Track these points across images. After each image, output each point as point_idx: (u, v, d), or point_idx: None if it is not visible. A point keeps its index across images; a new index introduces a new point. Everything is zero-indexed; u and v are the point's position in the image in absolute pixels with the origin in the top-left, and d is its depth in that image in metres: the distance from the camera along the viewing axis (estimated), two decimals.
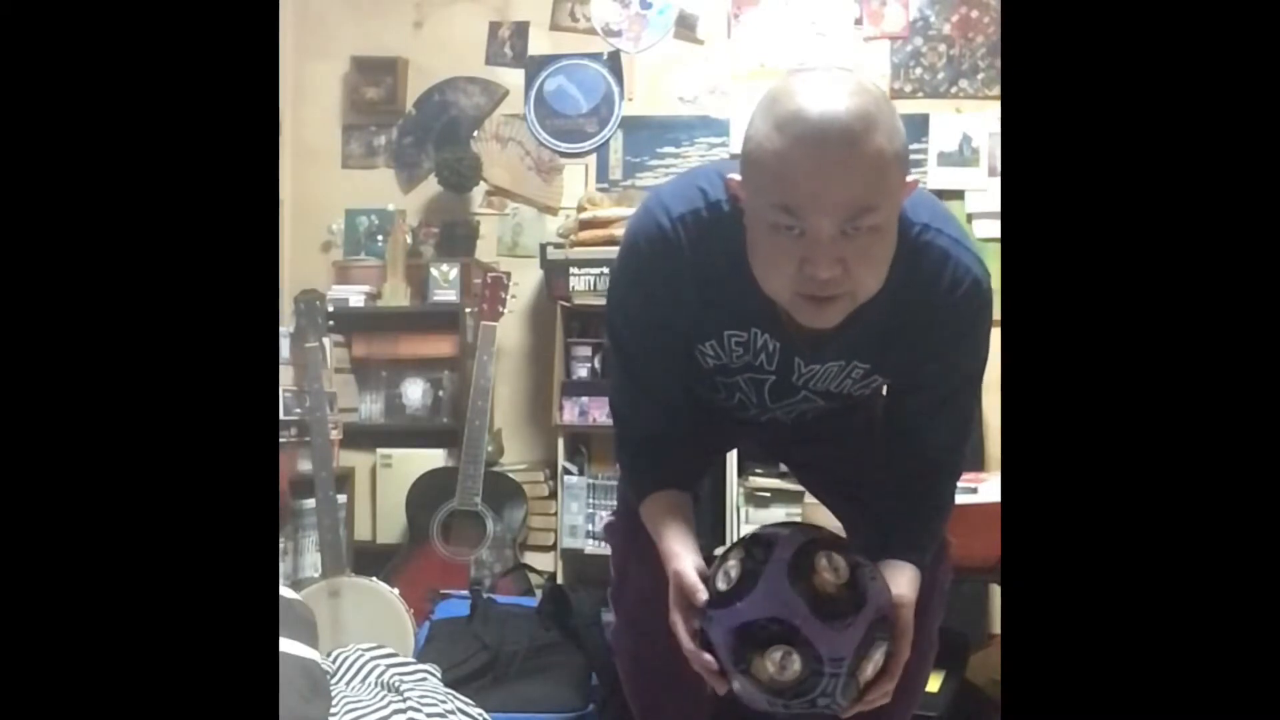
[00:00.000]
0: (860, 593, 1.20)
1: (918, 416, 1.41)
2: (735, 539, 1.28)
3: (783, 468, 2.89)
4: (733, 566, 1.23)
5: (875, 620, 1.21)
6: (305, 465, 2.89)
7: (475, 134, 3.47)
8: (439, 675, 2.27)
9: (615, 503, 3.08)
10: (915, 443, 1.41)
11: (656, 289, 1.32)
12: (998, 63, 3.22)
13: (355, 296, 3.26)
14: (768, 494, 2.95)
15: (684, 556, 1.30)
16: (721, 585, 1.23)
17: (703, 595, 1.24)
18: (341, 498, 3.04)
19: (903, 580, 1.30)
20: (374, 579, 2.77)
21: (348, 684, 2.15)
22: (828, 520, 2.05)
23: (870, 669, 1.21)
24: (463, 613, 2.56)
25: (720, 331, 1.34)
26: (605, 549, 3.08)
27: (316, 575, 2.86)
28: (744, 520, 2.94)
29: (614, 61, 3.42)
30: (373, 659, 2.23)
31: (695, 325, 1.35)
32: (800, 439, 1.58)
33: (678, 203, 1.29)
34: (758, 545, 1.24)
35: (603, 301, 3.08)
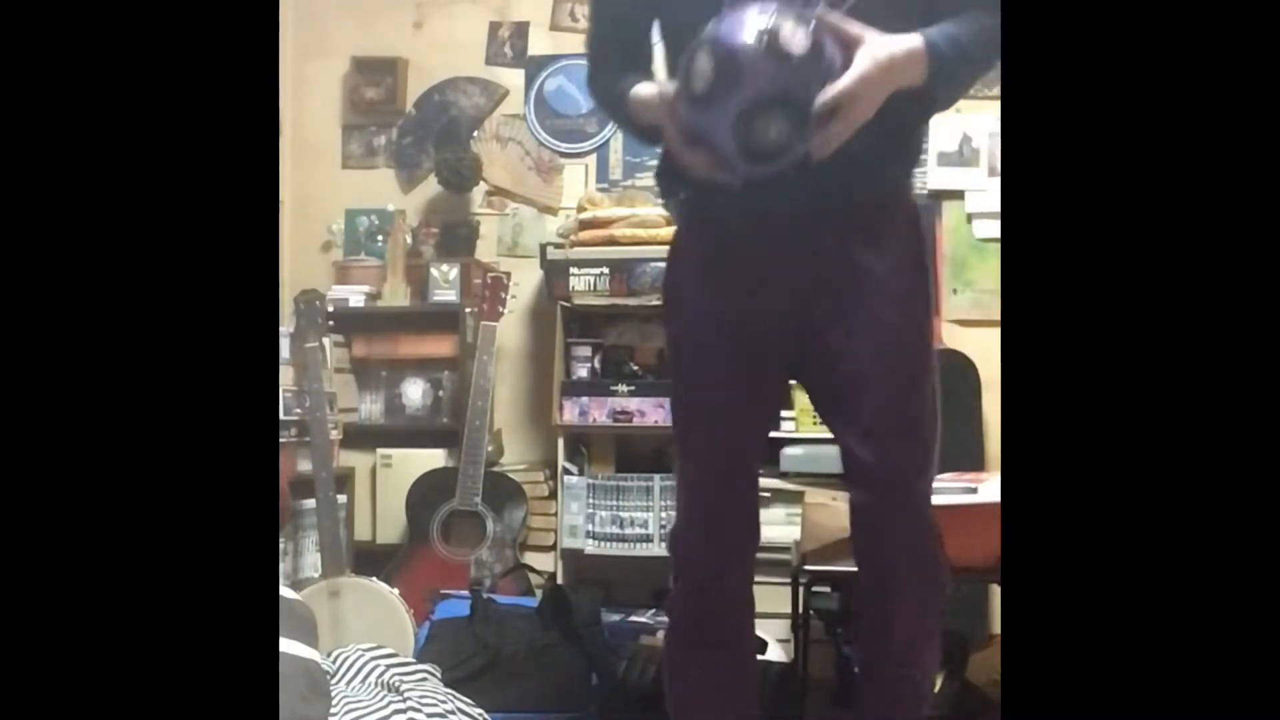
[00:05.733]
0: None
1: None
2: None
3: (782, 467, 2.89)
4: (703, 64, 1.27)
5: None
6: (305, 465, 2.89)
7: (475, 134, 3.47)
8: (439, 675, 2.27)
9: (615, 502, 3.09)
10: None
11: None
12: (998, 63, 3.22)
13: (355, 296, 3.26)
14: (768, 494, 2.95)
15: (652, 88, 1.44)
16: (699, 87, 1.28)
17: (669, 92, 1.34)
18: (341, 498, 3.04)
19: (899, 43, 1.32)
20: (374, 579, 2.77)
21: (348, 684, 2.15)
22: (830, 520, 2.06)
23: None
24: (463, 613, 2.56)
25: None
26: (605, 549, 3.11)
27: (316, 575, 2.86)
28: None
29: None
30: (373, 659, 2.24)
31: None
32: None
33: None
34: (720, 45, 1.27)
35: (602, 302, 3.10)
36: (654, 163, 3.55)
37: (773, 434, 2.92)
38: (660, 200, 1.63)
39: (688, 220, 1.56)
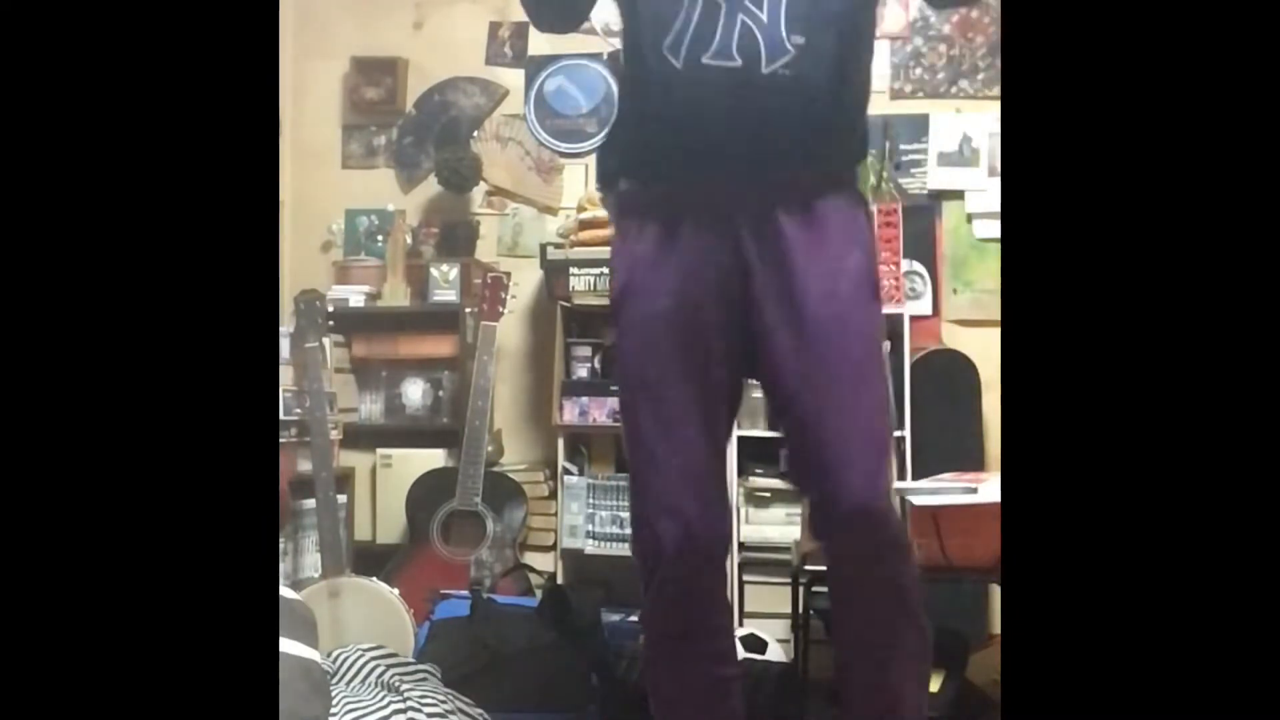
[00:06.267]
0: None
1: None
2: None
3: (782, 467, 2.89)
4: None
5: None
6: (305, 465, 2.89)
7: (475, 134, 3.48)
8: (439, 675, 2.27)
9: (615, 503, 3.09)
10: None
11: None
12: (998, 63, 3.22)
13: (355, 296, 3.26)
14: (768, 494, 2.96)
15: None
16: None
17: None
18: (341, 498, 3.04)
19: None
20: (374, 579, 2.77)
21: (348, 684, 2.16)
22: None
23: None
24: (463, 613, 2.56)
25: None
26: (605, 549, 3.11)
27: (316, 575, 2.86)
28: (744, 520, 2.93)
29: (614, 61, 3.42)
30: (373, 659, 2.24)
31: None
32: None
33: None
34: None
35: (602, 302, 3.10)
36: None
37: (773, 434, 2.96)
38: (599, 192, 1.59)
39: (626, 212, 1.53)
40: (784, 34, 1.38)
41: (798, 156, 1.41)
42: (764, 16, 1.38)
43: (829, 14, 1.38)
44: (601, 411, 3.04)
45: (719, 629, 1.51)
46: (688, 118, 1.42)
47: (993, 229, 3.19)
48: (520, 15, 3.42)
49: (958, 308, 3.20)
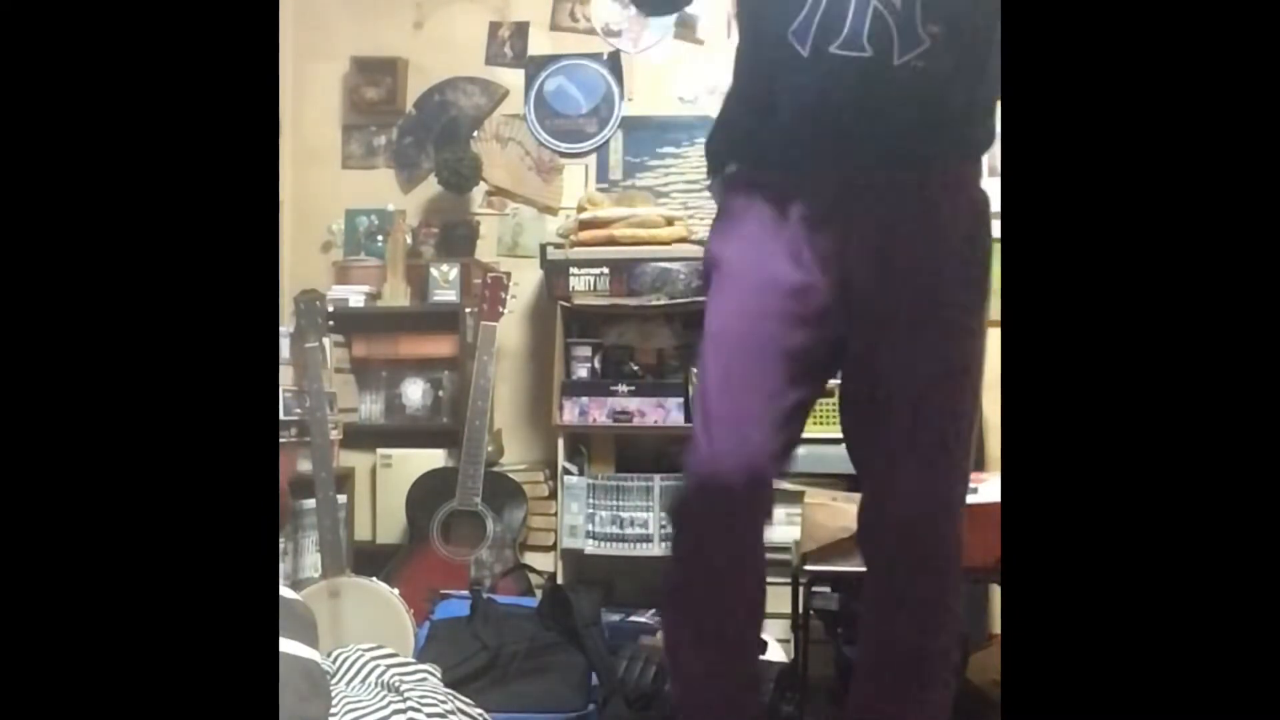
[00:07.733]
0: None
1: None
2: None
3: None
4: None
5: None
6: (305, 465, 2.89)
7: (475, 134, 3.47)
8: (439, 675, 2.27)
9: (615, 502, 3.08)
10: None
11: None
12: None
13: (355, 296, 3.26)
14: None
15: None
16: None
17: None
18: (341, 498, 3.04)
19: None
20: (374, 579, 2.77)
21: (348, 684, 2.15)
22: (830, 520, 2.06)
23: None
24: (463, 613, 2.56)
25: None
26: (605, 549, 3.11)
27: (316, 575, 2.86)
28: None
29: (614, 62, 3.42)
30: (373, 659, 2.23)
31: None
32: None
33: None
34: None
35: (602, 301, 3.10)
36: (654, 164, 3.55)
37: None
38: (705, 177, 1.51)
39: (733, 192, 1.46)
40: (919, 23, 1.30)
41: (922, 154, 1.35)
42: (898, 3, 1.29)
43: (966, 1, 1.29)
44: (601, 411, 3.04)
45: (746, 623, 1.47)
46: (811, 108, 1.35)
47: (993, 229, 3.18)
48: (520, 15, 3.45)
49: None
